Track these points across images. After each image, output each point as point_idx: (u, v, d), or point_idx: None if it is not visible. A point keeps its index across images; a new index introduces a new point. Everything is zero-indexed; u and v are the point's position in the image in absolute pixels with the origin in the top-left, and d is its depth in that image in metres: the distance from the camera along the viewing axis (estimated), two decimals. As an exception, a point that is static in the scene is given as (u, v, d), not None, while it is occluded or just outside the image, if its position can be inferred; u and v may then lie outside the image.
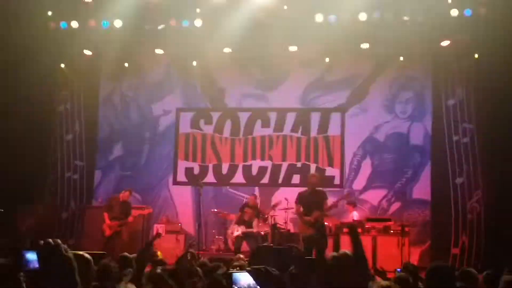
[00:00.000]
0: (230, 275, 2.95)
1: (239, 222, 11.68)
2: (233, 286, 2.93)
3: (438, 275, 3.74)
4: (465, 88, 12.24)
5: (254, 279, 2.71)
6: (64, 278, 2.36)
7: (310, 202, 9.84)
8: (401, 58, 12.51)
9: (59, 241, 2.40)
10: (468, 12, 10.96)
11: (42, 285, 2.39)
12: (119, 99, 13.83)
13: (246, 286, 2.89)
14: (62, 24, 12.05)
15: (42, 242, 2.40)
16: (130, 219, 11.46)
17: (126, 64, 13.41)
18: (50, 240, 2.40)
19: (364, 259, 3.96)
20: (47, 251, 2.37)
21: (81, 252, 4.06)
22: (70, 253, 2.40)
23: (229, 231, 11.80)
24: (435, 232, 12.09)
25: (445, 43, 11.79)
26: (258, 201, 12.23)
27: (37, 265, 2.49)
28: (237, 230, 11.57)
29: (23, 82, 11.93)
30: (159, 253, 9.50)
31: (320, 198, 9.92)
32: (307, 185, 10.22)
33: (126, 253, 5.79)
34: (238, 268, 4.72)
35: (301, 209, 9.91)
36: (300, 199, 10.04)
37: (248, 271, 2.73)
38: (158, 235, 8.40)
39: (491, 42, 11.10)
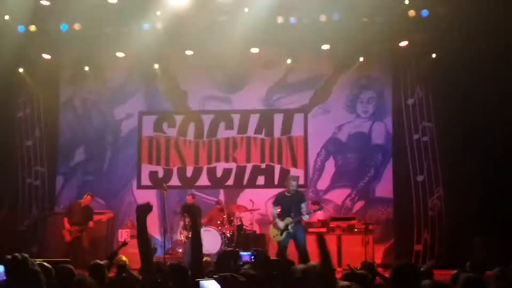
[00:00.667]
0: (198, 283, 2.95)
1: (184, 227, 11.67)
2: None
3: (402, 274, 3.80)
4: (424, 87, 12.47)
5: (221, 286, 2.72)
6: None
7: (290, 204, 9.83)
8: (361, 59, 12.68)
9: (26, 255, 2.37)
10: (425, 12, 11.16)
11: None
12: (80, 103, 13.64)
13: None
14: (20, 27, 11.81)
15: (8, 256, 2.37)
16: (91, 224, 11.38)
17: (87, 68, 13.24)
18: (17, 254, 2.37)
19: (331, 270, 4.00)
20: (14, 264, 2.34)
21: (39, 261, 3.98)
22: (37, 266, 2.37)
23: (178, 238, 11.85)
24: (398, 229, 12.28)
25: (404, 43, 11.99)
26: (194, 200, 12.09)
27: (3, 278, 2.46)
28: (181, 236, 11.65)
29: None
30: (124, 258, 9.42)
31: (300, 200, 9.93)
32: (287, 186, 10.14)
33: (98, 261, 5.71)
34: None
35: (279, 210, 9.86)
36: (278, 201, 10.03)
37: (215, 279, 2.73)
38: (124, 243, 8.26)
39: (448, 42, 11.35)
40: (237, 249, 4.45)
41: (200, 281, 2.98)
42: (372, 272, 5.18)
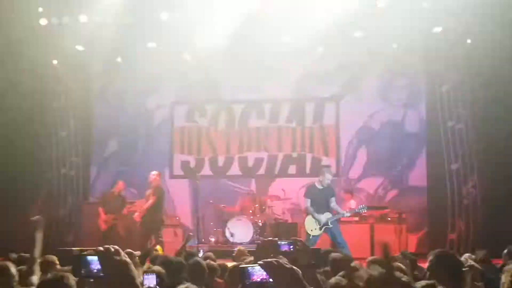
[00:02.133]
0: (242, 269, 2.93)
1: None
2: (246, 281, 2.92)
3: (442, 263, 3.75)
4: (459, 74, 12.24)
5: (267, 273, 2.70)
6: (124, 283, 2.37)
7: (322, 198, 9.69)
8: (394, 46, 12.49)
9: (117, 247, 2.41)
10: (459, -2, 10.93)
11: None
12: (112, 94, 13.78)
13: (259, 280, 2.87)
14: (53, 20, 11.96)
15: (101, 247, 2.42)
16: (125, 211, 11.49)
17: (119, 59, 13.35)
18: (110, 246, 2.41)
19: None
20: (108, 255, 2.38)
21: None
22: (128, 258, 2.40)
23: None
24: (432, 218, 12.14)
25: (438, 29, 11.78)
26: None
27: (97, 268, 2.51)
28: None
29: (15, 79, 11.87)
30: (159, 247, 9.56)
31: (331, 195, 9.80)
32: (322, 178, 9.86)
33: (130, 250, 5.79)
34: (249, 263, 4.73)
35: (309, 203, 9.74)
36: (309, 193, 9.84)
37: (260, 265, 2.71)
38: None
39: (482, 28, 11.10)
40: (276, 238, 4.45)
41: (244, 267, 2.95)
42: (411, 262, 5.11)
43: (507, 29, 10.63)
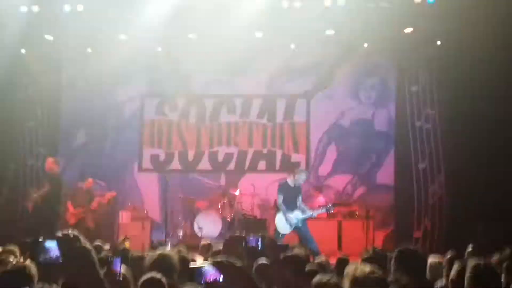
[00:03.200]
0: (194, 270, 2.94)
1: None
2: (199, 281, 2.92)
3: (407, 259, 3.81)
4: (428, 75, 12.40)
5: (219, 272, 2.70)
6: (84, 269, 2.34)
7: (292, 196, 9.74)
8: (366, 45, 12.61)
9: (76, 232, 2.38)
10: (430, -1, 11.07)
11: (61, 276, 2.37)
12: (82, 85, 13.57)
13: (211, 280, 2.87)
14: (23, 8, 11.73)
15: (59, 233, 2.38)
16: (94, 205, 11.40)
17: (89, 50, 13.17)
18: (69, 231, 2.38)
19: None
20: (67, 241, 2.35)
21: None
22: (88, 244, 2.37)
23: None
24: (399, 216, 12.30)
25: (408, 30, 11.90)
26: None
27: (56, 255, 2.46)
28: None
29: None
30: (125, 240, 9.46)
31: (299, 193, 9.86)
32: (297, 178, 9.94)
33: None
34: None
35: (281, 200, 9.74)
36: (282, 191, 9.84)
37: (211, 265, 2.71)
38: (124, 239, 8.24)
39: (453, 29, 11.24)
40: (244, 234, 4.44)
41: (196, 267, 2.96)
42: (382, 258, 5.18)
43: (476, 30, 10.79)
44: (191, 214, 12.06)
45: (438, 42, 11.97)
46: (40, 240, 2.98)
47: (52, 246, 2.61)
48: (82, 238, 2.43)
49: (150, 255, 4.56)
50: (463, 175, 11.41)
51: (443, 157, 12.04)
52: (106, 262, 4.80)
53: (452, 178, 11.82)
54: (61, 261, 2.48)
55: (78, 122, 13.54)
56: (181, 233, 11.96)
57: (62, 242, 2.40)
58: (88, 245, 2.43)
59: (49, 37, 12.50)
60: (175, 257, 4.55)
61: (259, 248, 4.44)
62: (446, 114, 12.01)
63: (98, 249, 5.83)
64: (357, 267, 3.57)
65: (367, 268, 3.51)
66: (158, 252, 4.56)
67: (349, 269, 3.52)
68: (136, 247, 9.26)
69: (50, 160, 10.85)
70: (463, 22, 10.90)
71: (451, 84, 11.81)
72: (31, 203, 10.67)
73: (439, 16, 11.17)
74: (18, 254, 5.82)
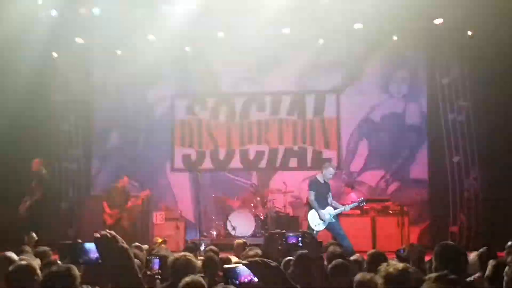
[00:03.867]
0: (228, 270, 2.92)
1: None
2: (233, 282, 2.90)
3: (447, 254, 3.76)
4: (460, 66, 12.23)
5: (253, 273, 2.68)
6: (123, 269, 2.36)
7: (323, 192, 9.57)
8: (395, 38, 12.46)
9: (113, 233, 2.40)
10: (460, -11, 10.89)
11: (101, 277, 2.41)
12: (113, 87, 13.73)
13: (247, 281, 2.85)
14: (53, 12, 11.90)
15: (97, 234, 2.40)
16: (129, 205, 11.48)
17: (119, 52, 13.31)
18: (107, 232, 2.40)
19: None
20: (106, 242, 2.37)
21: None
22: (126, 244, 2.40)
23: None
24: (434, 211, 12.14)
25: (438, 20, 11.72)
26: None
27: (96, 256, 2.49)
28: None
29: (15, 73, 11.81)
30: (160, 240, 9.54)
31: (329, 190, 9.69)
32: (325, 173, 9.65)
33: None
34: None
35: (313, 197, 9.56)
36: (313, 187, 9.64)
37: (246, 265, 2.69)
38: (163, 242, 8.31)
39: (484, 19, 11.05)
40: (284, 231, 4.45)
41: (230, 267, 2.94)
42: (420, 254, 5.13)
43: (508, 20, 10.58)
44: (224, 213, 12.08)
45: (469, 33, 11.76)
46: (79, 241, 3.02)
47: (91, 247, 2.64)
48: (120, 239, 2.45)
49: (170, 259, 4.61)
50: (498, 167, 11.23)
51: (477, 150, 11.87)
52: (146, 262, 4.85)
53: (486, 171, 11.64)
54: (100, 262, 2.50)
55: (110, 124, 13.69)
56: (214, 233, 12.00)
57: (101, 243, 2.42)
58: (125, 245, 2.45)
59: (79, 40, 12.67)
60: (192, 260, 4.57)
61: (300, 245, 4.42)
62: (479, 106, 11.83)
63: (139, 249, 5.90)
64: (390, 264, 3.54)
65: (400, 264, 3.48)
66: (174, 256, 4.59)
67: (382, 266, 3.49)
68: (171, 247, 9.35)
69: (36, 160, 10.96)
70: (494, 11, 10.70)
71: (483, 75, 11.62)
72: (24, 208, 10.72)
73: (469, 6, 10.99)
74: (51, 254, 5.95)
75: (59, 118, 13.41)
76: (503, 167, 11.10)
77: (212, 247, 6.66)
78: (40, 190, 10.79)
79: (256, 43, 12.66)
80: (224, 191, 12.66)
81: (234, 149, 13.33)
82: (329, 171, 9.64)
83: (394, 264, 3.56)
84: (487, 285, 4.09)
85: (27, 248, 6.38)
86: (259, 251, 5.48)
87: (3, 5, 10.88)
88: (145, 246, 6.39)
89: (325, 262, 5.04)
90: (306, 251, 4.33)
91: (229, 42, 12.70)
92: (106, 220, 11.20)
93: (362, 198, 9.96)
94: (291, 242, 4.40)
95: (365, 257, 5.75)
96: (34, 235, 7.15)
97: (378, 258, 5.11)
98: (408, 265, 3.52)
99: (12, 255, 4.92)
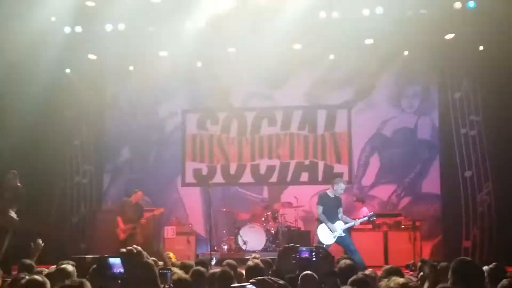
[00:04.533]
0: None
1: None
2: None
3: (465, 270, 3.73)
4: (471, 81, 12.21)
5: None
6: (147, 285, 2.39)
7: (333, 207, 9.57)
8: (406, 53, 12.49)
9: (139, 248, 2.43)
10: (471, 4, 10.91)
11: None
12: (125, 102, 13.85)
13: None
14: (66, 28, 12.06)
15: (123, 249, 2.43)
16: (143, 221, 11.39)
17: (131, 67, 13.43)
18: (133, 247, 2.43)
19: None
20: (131, 257, 2.40)
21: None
22: (150, 259, 2.42)
23: None
24: (446, 226, 12.06)
25: (449, 36, 11.74)
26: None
27: (121, 270, 2.51)
28: None
29: (28, 88, 11.94)
30: (171, 255, 9.54)
31: (340, 205, 9.66)
32: (336, 188, 9.63)
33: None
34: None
35: (321, 211, 9.54)
36: (322, 202, 9.65)
37: (253, 283, 2.70)
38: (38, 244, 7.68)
39: (495, 34, 11.07)
40: (298, 245, 4.43)
41: (238, 285, 2.94)
42: (434, 269, 5.08)
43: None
44: (234, 228, 12.07)
45: (481, 48, 11.76)
46: (105, 256, 3.04)
47: (116, 262, 2.66)
48: (145, 254, 2.48)
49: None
50: (511, 182, 11.15)
51: (490, 164, 11.80)
52: (161, 276, 4.85)
53: (499, 186, 11.57)
54: (125, 277, 2.53)
55: (122, 139, 13.77)
56: (226, 247, 11.99)
57: (126, 258, 2.45)
58: (150, 260, 2.48)
59: (92, 57, 12.81)
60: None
61: (313, 260, 4.39)
62: (491, 120, 11.79)
63: (155, 264, 5.91)
64: (392, 279, 3.53)
65: (401, 279, 3.47)
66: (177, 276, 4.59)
67: (383, 282, 3.48)
68: (183, 259, 9.32)
69: (10, 172, 10.38)
70: (505, 26, 10.72)
71: (495, 89, 11.60)
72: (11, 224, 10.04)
73: (480, 21, 11.00)
74: (72, 271, 5.92)
75: (71, 133, 13.50)
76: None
77: (230, 260, 6.61)
78: (13, 206, 10.03)
79: (267, 59, 12.73)
80: (235, 206, 12.65)
81: (245, 163, 13.34)
82: (340, 186, 9.62)
83: (395, 279, 3.55)
84: None
85: (27, 261, 6.26)
86: (259, 263, 5.47)
87: (18, 22, 11.03)
88: (161, 262, 6.37)
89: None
90: (310, 272, 4.31)
91: (240, 58, 12.79)
92: (119, 235, 11.06)
93: (372, 213, 9.91)
94: (304, 256, 4.37)
95: (378, 272, 5.72)
96: (40, 241, 7.04)
97: (394, 274, 5.08)
98: (409, 279, 3.50)
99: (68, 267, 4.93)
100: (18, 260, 6.49)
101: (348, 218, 9.70)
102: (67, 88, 13.38)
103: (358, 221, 9.67)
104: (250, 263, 5.61)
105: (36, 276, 4.14)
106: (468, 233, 11.79)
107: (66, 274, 4.75)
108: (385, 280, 4.18)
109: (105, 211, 12.73)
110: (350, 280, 4.33)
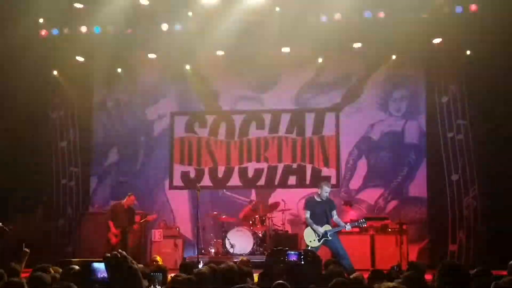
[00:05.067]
0: None
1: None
2: None
3: (451, 274, 3.74)
4: (458, 85, 12.29)
5: None
6: None
7: (323, 210, 9.45)
8: (394, 57, 12.55)
9: (124, 253, 2.40)
10: (459, 9, 11.00)
11: None
12: (113, 104, 13.79)
13: None
14: (54, 30, 12.00)
15: (108, 254, 2.40)
16: (136, 226, 11.26)
17: (119, 70, 13.38)
18: (117, 252, 2.40)
19: None
20: (115, 262, 2.37)
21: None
22: (136, 264, 2.40)
23: None
24: (433, 229, 12.11)
25: (437, 40, 11.82)
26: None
27: (105, 275, 2.49)
28: None
29: (15, 90, 11.87)
30: (158, 258, 9.52)
31: (332, 208, 9.56)
32: (321, 191, 9.52)
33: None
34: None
35: (308, 215, 9.44)
36: (308, 206, 9.55)
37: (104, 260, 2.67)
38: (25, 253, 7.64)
39: (482, 39, 11.14)
40: (286, 248, 4.41)
41: None
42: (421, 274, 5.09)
43: (506, 39, 10.66)
44: (222, 231, 12.03)
45: (468, 52, 11.84)
46: (88, 261, 3.02)
47: (100, 267, 2.64)
48: (130, 259, 2.45)
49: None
50: (497, 186, 11.23)
51: (477, 168, 11.87)
52: (150, 280, 4.83)
53: (485, 189, 11.64)
54: (109, 282, 2.50)
55: (109, 141, 13.70)
56: (213, 250, 11.95)
57: (111, 263, 2.42)
58: (135, 265, 2.45)
59: (80, 59, 12.74)
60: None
61: (301, 263, 4.37)
62: (477, 125, 11.87)
63: (143, 268, 5.87)
64: (382, 285, 3.53)
65: (390, 284, 3.47)
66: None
67: (376, 285, 3.48)
68: (169, 265, 9.28)
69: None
70: (492, 31, 10.78)
71: (481, 94, 11.68)
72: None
73: (468, 26, 11.09)
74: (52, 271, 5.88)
75: (58, 135, 13.43)
76: (502, 186, 11.09)
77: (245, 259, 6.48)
78: None
79: (255, 62, 12.76)
80: (222, 209, 12.62)
81: (233, 166, 13.33)
82: (324, 189, 9.51)
83: (385, 284, 3.55)
84: None
85: (17, 266, 6.23)
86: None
87: (5, 23, 10.96)
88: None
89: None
90: (282, 282, 4.31)
91: (229, 61, 12.79)
92: (111, 239, 10.88)
93: (364, 219, 9.86)
94: (292, 259, 4.35)
95: (365, 276, 5.73)
96: (27, 250, 7.00)
97: (378, 277, 5.09)
98: (399, 284, 3.51)
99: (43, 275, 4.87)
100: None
101: (341, 221, 9.62)
102: (54, 90, 13.32)
103: (348, 226, 9.61)
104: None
105: (14, 279, 4.12)
106: (454, 237, 11.85)
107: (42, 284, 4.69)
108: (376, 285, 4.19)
109: (92, 214, 12.66)
110: (330, 284, 4.33)
